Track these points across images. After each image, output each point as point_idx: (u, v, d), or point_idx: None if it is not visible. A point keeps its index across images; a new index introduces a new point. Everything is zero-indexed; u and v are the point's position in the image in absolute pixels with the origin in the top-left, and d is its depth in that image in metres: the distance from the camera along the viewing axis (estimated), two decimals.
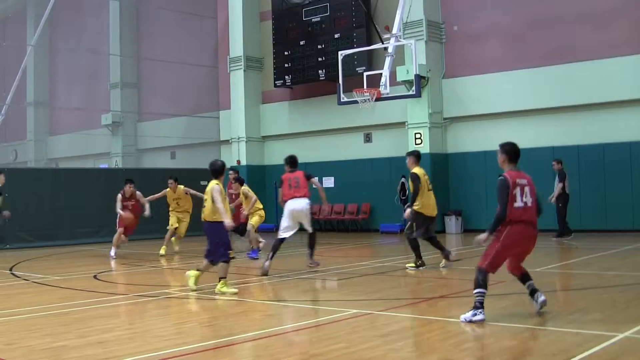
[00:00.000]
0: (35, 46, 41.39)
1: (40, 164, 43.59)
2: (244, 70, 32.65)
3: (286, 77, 30.95)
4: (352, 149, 29.81)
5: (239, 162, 32.37)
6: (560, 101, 24.80)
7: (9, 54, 42.45)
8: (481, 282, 9.34)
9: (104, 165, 38.29)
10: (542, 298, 9.48)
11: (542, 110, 25.32)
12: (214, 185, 12.48)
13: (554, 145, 24.84)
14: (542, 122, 25.39)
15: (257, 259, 18.30)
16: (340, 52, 24.01)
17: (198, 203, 20.58)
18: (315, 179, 16.63)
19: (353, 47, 26.92)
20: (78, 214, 27.02)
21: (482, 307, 9.19)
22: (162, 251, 20.68)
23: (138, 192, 20.85)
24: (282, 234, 15.56)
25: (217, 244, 12.53)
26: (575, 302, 10.80)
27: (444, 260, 16.03)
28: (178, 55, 35.91)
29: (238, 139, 32.74)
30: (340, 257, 18.51)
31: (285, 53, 30.93)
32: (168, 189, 21.54)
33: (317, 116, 30.82)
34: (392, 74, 23.69)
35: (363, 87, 22.90)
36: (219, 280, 12.49)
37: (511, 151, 9.97)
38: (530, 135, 25.44)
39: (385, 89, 22.60)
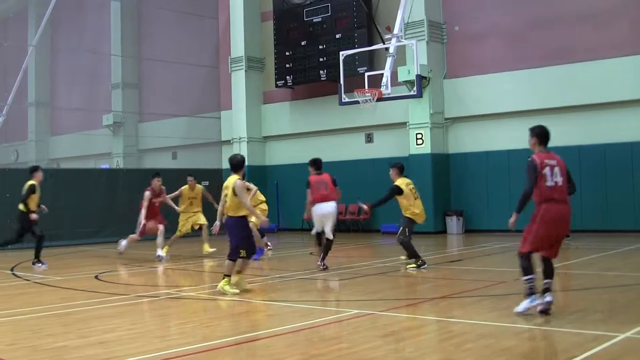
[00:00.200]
0: (37, 46, 41.39)
1: (41, 164, 43.27)
2: (245, 71, 32.64)
3: (287, 77, 30.94)
4: (353, 149, 29.81)
5: None
6: (562, 101, 24.78)
7: (10, 54, 42.43)
8: (527, 268, 9.64)
9: (105, 165, 38.28)
10: (548, 299, 9.55)
11: (543, 111, 25.28)
12: (236, 180, 12.40)
13: (555, 146, 24.53)
14: (543, 122, 24.81)
15: (262, 259, 18.30)
16: (341, 53, 24.00)
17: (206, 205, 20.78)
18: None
19: (354, 48, 26.91)
20: (79, 214, 27.02)
21: (535, 293, 9.48)
22: (163, 252, 20.15)
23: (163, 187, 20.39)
24: (321, 233, 16.31)
25: (235, 240, 12.47)
26: (576, 303, 10.80)
27: (411, 261, 16.35)
28: (179, 55, 35.90)
29: (239, 139, 32.73)
30: (341, 257, 18.52)
31: (287, 53, 30.93)
32: (185, 187, 20.90)
33: (319, 116, 30.82)
34: (394, 74, 23.67)
35: (364, 87, 22.89)
36: (223, 277, 12.46)
37: (541, 134, 10.26)
38: None
39: (386, 89, 22.58)
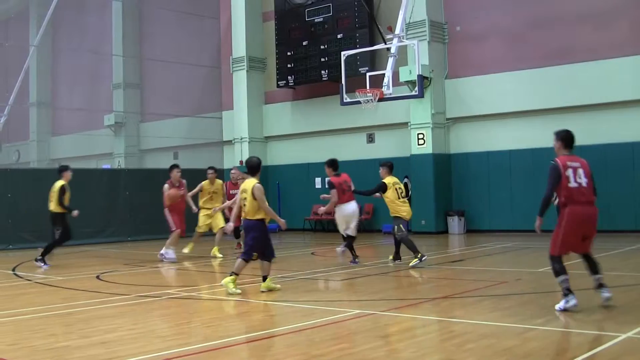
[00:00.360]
0: (38, 46, 41.45)
1: (42, 165, 43.56)
2: (247, 71, 32.65)
3: (289, 77, 30.95)
4: (355, 149, 29.80)
5: (241, 162, 32.35)
6: (563, 101, 24.79)
7: (11, 54, 42.43)
8: (559, 270, 9.88)
9: (106, 165, 38.28)
10: (606, 294, 10.04)
11: (544, 111, 25.30)
12: (255, 183, 12.39)
13: None
14: (544, 122, 25.34)
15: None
16: (343, 53, 23.97)
17: None
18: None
19: (356, 48, 26.91)
20: (80, 215, 26.95)
21: (571, 292, 9.70)
22: (187, 250, 19.80)
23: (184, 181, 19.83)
24: (347, 232, 16.81)
25: (251, 242, 12.48)
26: (578, 303, 10.79)
27: (391, 257, 17.20)
28: (181, 55, 35.92)
29: (241, 139, 32.73)
30: (341, 257, 18.48)
31: (288, 53, 30.94)
32: (206, 181, 20.36)
33: (320, 116, 30.83)
34: (395, 75, 23.67)
35: (366, 87, 22.87)
36: (230, 275, 12.47)
37: (566, 137, 10.29)
38: (532, 136, 25.46)
39: (388, 89, 22.57)
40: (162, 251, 19.19)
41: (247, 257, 12.47)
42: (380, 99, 22.61)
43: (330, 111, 29.82)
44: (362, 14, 28.57)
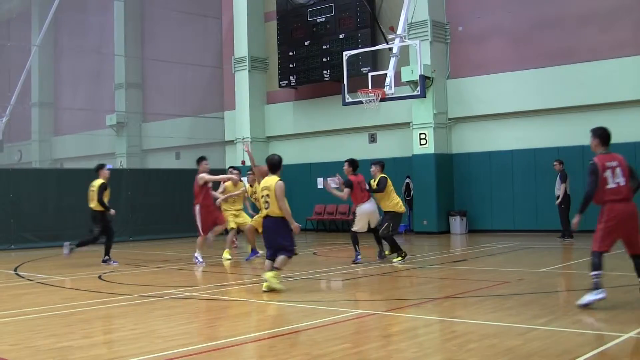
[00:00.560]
0: (40, 46, 41.43)
1: (44, 165, 43.60)
2: (249, 71, 32.67)
3: (291, 77, 30.96)
4: (356, 149, 29.76)
5: (243, 162, 32.36)
6: (565, 101, 24.79)
7: (13, 54, 42.49)
8: (596, 265, 10.17)
9: (108, 165, 38.14)
10: None
11: (546, 111, 25.32)
12: (278, 181, 12.42)
13: (558, 146, 24.82)
14: (546, 122, 25.38)
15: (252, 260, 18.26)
16: (344, 53, 23.97)
17: None
18: None
19: (358, 48, 26.92)
20: (82, 215, 26.92)
21: (600, 287, 9.94)
22: (226, 254, 19.15)
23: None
24: (359, 230, 17.16)
25: (285, 238, 12.54)
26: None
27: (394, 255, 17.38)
28: (182, 55, 35.95)
29: (243, 139, 32.74)
30: (345, 257, 18.49)
31: (290, 53, 30.95)
32: (229, 182, 19.50)
33: (322, 116, 30.84)
34: (397, 75, 23.70)
35: (368, 87, 22.88)
36: (272, 270, 12.48)
37: (603, 135, 10.37)
38: (534, 136, 25.49)
39: (390, 89, 22.59)
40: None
41: (292, 254, 12.64)
42: (382, 99, 22.63)
43: (332, 111, 29.84)
44: (364, 14, 28.58)
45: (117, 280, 15.20)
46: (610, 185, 10.02)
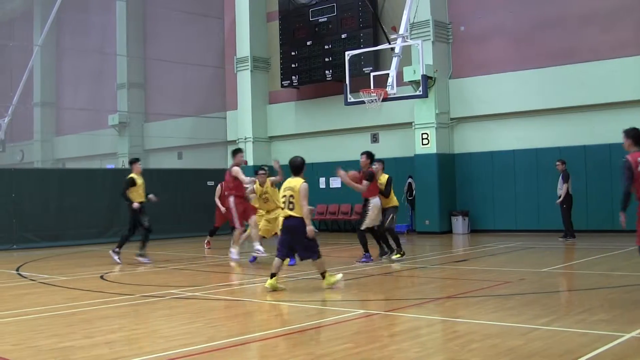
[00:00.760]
0: (42, 46, 41.50)
1: (46, 165, 43.65)
2: (251, 71, 32.67)
3: (293, 77, 30.95)
4: (359, 149, 29.40)
5: (245, 162, 32.32)
6: (567, 101, 24.78)
7: (16, 54, 42.56)
8: None
9: (110, 165, 38.32)
10: None
11: (548, 111, 25.31)
12: (303, 183, 12.51)
13: (560, 146, 24.82)
14: (548, 122, 25.37)
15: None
16: (347, 53, 23.95)
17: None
18: None
19: (360, 48, 26.91)
20: (84, 215, 27.05)
21: None
22: (259, 245, 17.96)
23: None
24: (370, 225, 17.14)
25: (310, 241, 12.61)
26: (582, 303, 10.78)
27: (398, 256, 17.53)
28: (185, 55, 35.97)
29: (245, 139, 32.74)
30: (347, 257, 18.50)
31: (292, 53, 30.94)
32: (255, 185, 17.90)
33: (324, 116, 30.83)
34: (399, 74, 23.70)
35: (370, 87, 22.87)
36: (323, 277, 12.71)
37: (636, 135, 10.62)
38: (536, 136, 25.48)
39: (392, 89, 22.58)
40: (258, 247, 17.41)
41: (319, 255, 12.72)
42: (384, 99, 22.63)
43: (334, 111, 29.84)
44: (366, 14, 28.57)
45: (118, 280, 15.21)
46: None
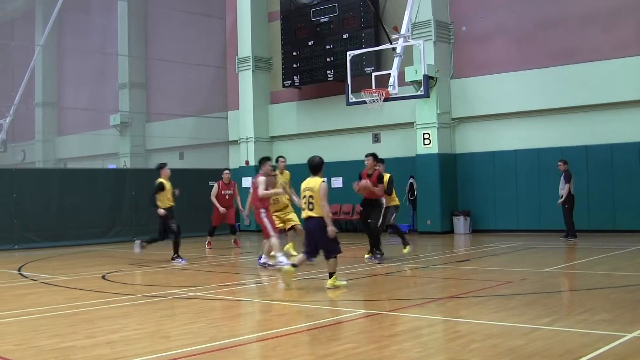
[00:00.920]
0: (44, 46, 41.50)
1: (48, 165, 43.68)
2: (252, 71, 32.66)
3: (294, 77, 30.94)
4: (360, 149, 29.55)
5: (247, 162, 32.39)
6: (568, 101, 24.77)
7: (17, 54, 42.57)
8: None
9: (112, 165, 38.35)
10: None
11: (550, 111, 25.31)
12: (322, 183, 12.58)
13: (562, 146, 24.81)
14: (550, 122, 25.37)
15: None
16: (348, 53, 23.96)
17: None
18: None
19: (361, 48, 26.91)
20: (86, 215, 27.05)
21: None
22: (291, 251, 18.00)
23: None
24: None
25: (331, 240, 12.66)
26: (583, 303, 10.78)
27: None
28: (186, 55, 35.98)
29: (246, 139, 32.76)
30: (348, 257, 18.49)
31: (294, 53, 30.93)
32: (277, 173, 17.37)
33: (326, 116, 30.83)
34: (401, 74, 23.67)
35: (371, 87, 22.87)
36: (330, 277, 12.71)
37: None
38: (538, 136, 25.47)
39: (393, 89, 22.58)
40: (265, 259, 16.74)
41: (336, 254, 12.80)
42: (386, 99, 22.63)
43: (335, 111, 29.84)
44: (367, 14, 28.56)
45: (120, 280, 15.22)
46: None
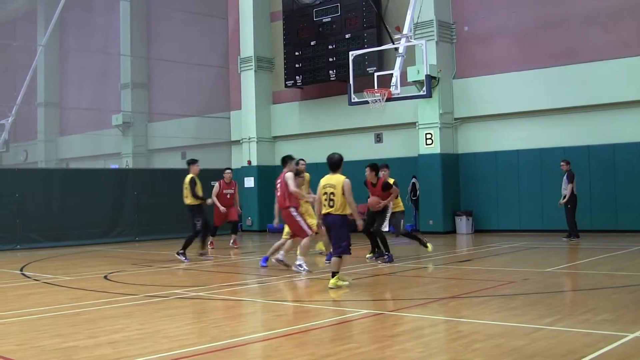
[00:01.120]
0: (46, 46, 41.49)
1: (50, 165, 43.64)
2: (255, 71, 32.66)
3: (297, 77, 30.94)
4: (362, 149, 29.74)
5: (249, 162, 32.39)
6: (570, 101, 24.76)
7: (19, 54, 42.55)
8: None
9: (114, 165, 38.32)
10: None
11: (552, 111, 25.29)
12: (345, 179, 12.68)
13: (564, 146, 24.80)
14: (552, 122, 25.35)
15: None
16: (350, 53, 23.96)
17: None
18: None
19: (364, 48, 26.89)
20: (88, 215, 27.05)
21: None
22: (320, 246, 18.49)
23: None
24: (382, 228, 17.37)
25: (342, 238, 12.72)
26: (586, 303, 10.78)
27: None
28: (188, 55, 35.97)
29: (249, 139, 32.76)
30: (350, 257, 18.48)
31: (296, 53, 30.93)
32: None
33: (328, 116, 30.82)
34: (403, 74, 23.65)
35: (374, 87, 22.85)
36: (332, 276, 12.70)
37: None
38: (540, 136, 25.46)
39: (396, 89, 22.57)
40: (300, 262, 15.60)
41: (343, 253, 12.76)
42: (388, 99, 22.62)
43: (338, 111, 29.82)
44: (370, 14, 28.55)
45: (122, 280, 15.22)
46: None
